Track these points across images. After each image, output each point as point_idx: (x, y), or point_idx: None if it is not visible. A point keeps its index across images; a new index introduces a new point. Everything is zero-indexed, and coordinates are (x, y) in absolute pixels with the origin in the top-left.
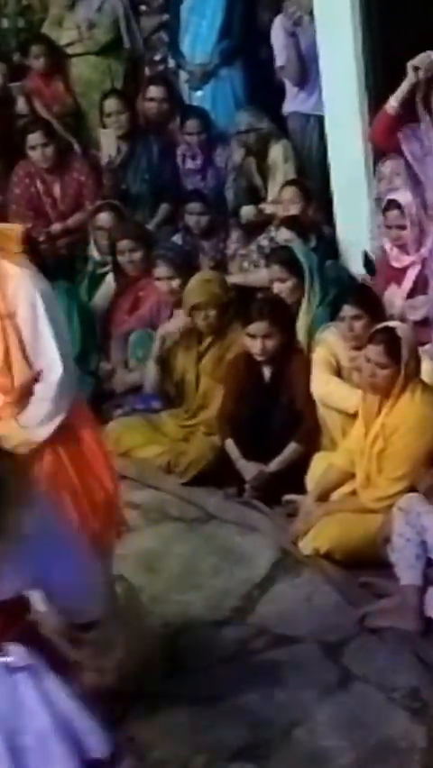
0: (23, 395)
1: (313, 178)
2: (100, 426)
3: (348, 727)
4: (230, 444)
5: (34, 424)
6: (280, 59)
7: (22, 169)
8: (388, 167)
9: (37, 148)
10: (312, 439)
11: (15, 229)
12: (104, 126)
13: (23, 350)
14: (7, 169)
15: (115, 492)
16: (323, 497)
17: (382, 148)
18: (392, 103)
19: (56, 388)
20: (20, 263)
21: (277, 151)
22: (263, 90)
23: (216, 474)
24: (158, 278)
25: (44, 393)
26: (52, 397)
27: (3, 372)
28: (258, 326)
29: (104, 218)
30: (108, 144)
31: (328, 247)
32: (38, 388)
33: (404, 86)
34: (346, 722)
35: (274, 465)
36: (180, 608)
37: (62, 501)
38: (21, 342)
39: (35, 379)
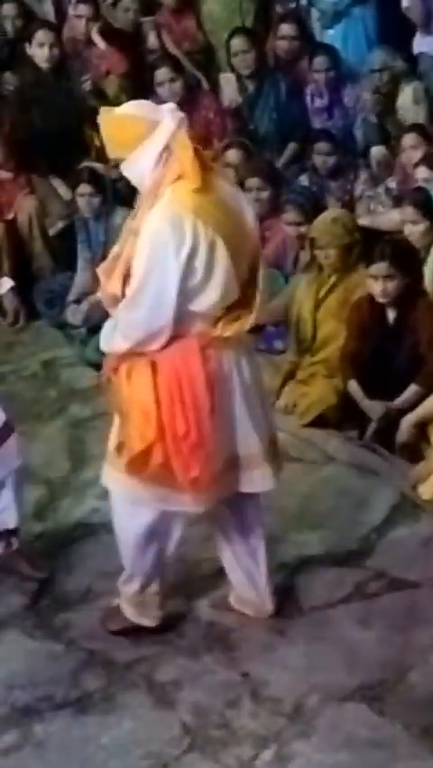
0: (109, 303)
1: None
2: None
3: None
4: (353, 385)
5: (104, 334)
6: None
7: None
8: None
9: (164, 83)
10: None
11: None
12: (231, 66)
13: (127, 268)
14: None
15: (189, 435)
16: None
17: None
18: None
19: (122, 320)
20: (180, 196)
21: (408, 93)
22: (396, 31)
23: (337, 417)
24: (287, 223)
25: (118, 315)
26: (117, 325)
27: (111, 270)
28: (379, 267)
29: (232, 155)
30: (229, 89)
31: None
32: (119, 308)
33: None
34: None
35: (396, 406)
36: (298, 548)
37: (135, 415)
38: (129, 260)
39: (118, 297)
